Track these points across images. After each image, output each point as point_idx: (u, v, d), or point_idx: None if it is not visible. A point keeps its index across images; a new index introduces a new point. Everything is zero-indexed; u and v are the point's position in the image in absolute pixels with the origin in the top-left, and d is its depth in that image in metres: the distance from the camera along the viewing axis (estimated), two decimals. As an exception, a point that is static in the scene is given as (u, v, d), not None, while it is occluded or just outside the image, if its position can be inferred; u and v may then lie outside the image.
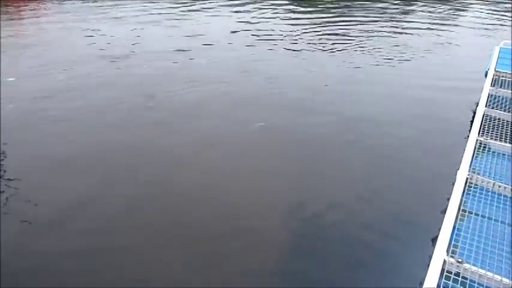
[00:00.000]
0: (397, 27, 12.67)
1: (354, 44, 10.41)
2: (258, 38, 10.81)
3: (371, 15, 14.14)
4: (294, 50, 9.80)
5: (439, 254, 2.34)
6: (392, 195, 4.43)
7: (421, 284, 2.25)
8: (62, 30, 11.48)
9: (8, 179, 4.59)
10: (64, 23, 12.15)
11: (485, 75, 5.56)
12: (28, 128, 5.88)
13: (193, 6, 15.04)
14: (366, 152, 5.36)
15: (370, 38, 11.02)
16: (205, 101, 6.90)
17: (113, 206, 4.18)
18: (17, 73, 8.06)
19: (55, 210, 4.09)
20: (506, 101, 4.68)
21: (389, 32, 11.89)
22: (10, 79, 7.79)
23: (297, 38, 10.93)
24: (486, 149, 3.67)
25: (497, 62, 5.93)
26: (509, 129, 3.99)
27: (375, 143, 5.55)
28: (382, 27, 12.51)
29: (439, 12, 15.12)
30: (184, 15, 13.79)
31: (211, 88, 7.41)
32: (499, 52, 6.43)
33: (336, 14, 14.13)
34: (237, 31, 11.53)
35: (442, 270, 2.31)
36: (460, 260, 2.37)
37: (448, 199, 2.85)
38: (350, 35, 11.38)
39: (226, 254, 3.56)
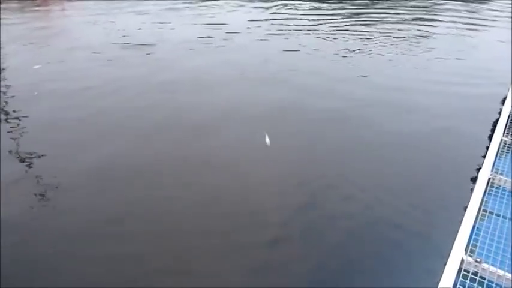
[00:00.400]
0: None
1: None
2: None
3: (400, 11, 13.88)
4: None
5: (457, 253, 2.33)
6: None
7: (437, 283, 2.25)
8: (86, 23, 11.71)
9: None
10: (89, 17, 12.36)
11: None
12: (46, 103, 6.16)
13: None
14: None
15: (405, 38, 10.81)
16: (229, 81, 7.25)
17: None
18: (42, 61, 8.32)
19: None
20: (533, 102, 4.55)
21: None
22: (36, 66, 8.12)
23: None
24: (511, 149, 3.60)
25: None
26: (536, 130, 3.89)
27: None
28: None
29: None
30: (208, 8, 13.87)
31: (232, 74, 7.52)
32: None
33: (360, 7, 13.94)
34: (258, 21, 11.51)
35: (460, 269, 2.30)
36: (478, 259, 2.35)
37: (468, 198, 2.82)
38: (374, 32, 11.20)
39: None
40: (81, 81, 7.27)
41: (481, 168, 3.21)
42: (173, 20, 12.08)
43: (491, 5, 16.00)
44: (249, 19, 12.09)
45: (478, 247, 2.45)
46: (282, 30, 11.12)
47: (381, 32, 11.01)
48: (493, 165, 3.25)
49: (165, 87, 7.10)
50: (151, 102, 6.44)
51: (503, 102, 5.60)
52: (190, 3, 14.70)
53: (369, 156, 5.00)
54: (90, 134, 5.45)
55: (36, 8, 13.67)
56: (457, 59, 9.10)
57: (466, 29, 11.82)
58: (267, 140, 4.90)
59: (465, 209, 2.70)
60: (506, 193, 2.98)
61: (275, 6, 14.25)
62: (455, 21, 12.69)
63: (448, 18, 13.19)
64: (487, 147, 3.63)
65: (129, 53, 9.02)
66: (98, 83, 7.20)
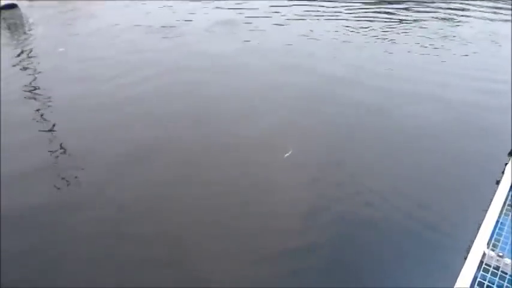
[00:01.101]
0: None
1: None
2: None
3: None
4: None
5: (479, 246, 2.31)
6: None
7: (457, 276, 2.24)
8: (117, 9, 11.80)
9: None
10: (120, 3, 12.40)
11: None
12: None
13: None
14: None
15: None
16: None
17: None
18: (67, 45, 8.53)
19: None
20: None
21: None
22: (60, 49, 8.32)
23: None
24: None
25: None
26: None
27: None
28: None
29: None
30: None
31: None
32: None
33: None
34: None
35: (481, 262, 2.28)
36: (500, 254, 2.32)
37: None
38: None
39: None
40: (113, 68, 7.41)
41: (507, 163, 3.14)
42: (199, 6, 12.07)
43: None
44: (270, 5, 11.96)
45: (501, 241, 2.42)
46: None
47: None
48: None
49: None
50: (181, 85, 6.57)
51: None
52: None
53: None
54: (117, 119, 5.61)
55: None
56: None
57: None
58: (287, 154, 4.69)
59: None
60: (533, 188, 2.91)
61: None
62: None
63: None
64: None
65: (155, 36, 9.15)
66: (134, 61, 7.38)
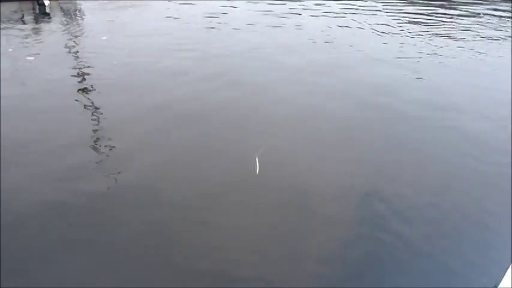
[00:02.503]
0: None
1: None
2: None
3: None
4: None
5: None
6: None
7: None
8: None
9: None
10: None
11: None
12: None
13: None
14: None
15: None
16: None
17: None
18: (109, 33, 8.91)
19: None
20: None
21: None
22: (104, 37, 8.60)
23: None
24: None
25: None
26: None
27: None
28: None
29: None
30: None
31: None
32: None
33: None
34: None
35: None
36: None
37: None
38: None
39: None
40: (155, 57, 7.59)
41: None
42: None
43: None
44: None
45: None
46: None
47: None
48: None
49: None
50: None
51: None
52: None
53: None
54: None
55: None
56: None
57: None
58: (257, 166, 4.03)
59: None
60: None
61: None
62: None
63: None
64: None
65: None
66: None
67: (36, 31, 9.21)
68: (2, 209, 3.35)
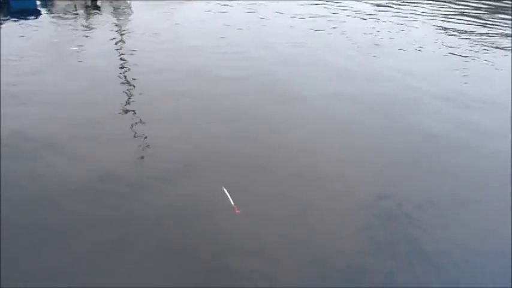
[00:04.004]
0: None
1: None
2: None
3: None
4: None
5: None
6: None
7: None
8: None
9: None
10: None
11: None
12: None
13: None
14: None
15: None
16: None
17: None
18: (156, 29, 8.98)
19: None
20: None
21: None
22: (146, 34, 8.72)
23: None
24: None
25: None
26: None
27: None
28: None
29: None
30: None
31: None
32: None
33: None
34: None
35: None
36: None
37: None
38: None
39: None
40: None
41: None
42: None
43: None
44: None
45: None
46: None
47: None
48: None
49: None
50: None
51: None
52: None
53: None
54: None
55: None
56: None
57: None
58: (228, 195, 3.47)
59: None
60: None
61: None
62: None
63: None
64: None
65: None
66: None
67: (85, 24, 9.48)
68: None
